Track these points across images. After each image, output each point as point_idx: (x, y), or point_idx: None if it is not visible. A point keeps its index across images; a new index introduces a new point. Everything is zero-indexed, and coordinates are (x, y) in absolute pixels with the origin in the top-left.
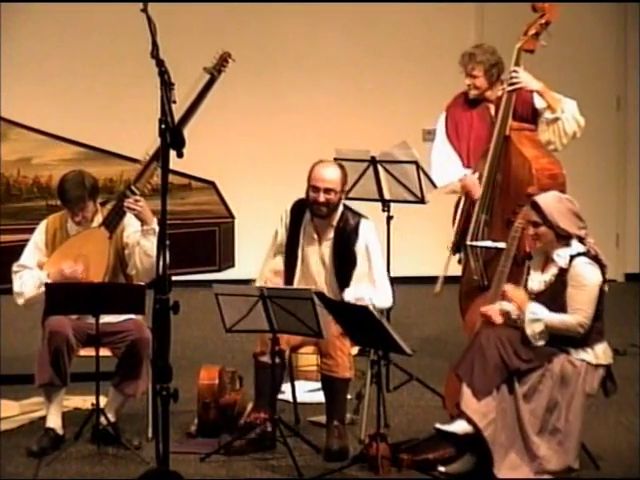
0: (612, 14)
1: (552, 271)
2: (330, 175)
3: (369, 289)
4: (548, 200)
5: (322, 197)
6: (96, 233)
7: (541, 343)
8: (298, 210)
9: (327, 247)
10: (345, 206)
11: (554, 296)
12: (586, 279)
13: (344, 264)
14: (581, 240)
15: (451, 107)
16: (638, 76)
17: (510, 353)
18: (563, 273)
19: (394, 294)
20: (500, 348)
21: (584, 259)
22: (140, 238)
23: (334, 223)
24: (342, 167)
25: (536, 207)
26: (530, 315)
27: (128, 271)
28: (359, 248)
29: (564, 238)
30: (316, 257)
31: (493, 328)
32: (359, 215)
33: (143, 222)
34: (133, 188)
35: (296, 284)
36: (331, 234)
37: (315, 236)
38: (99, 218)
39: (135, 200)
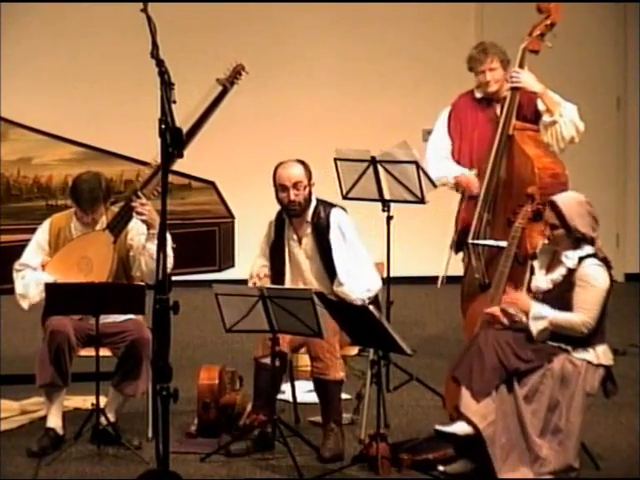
0: (612, 14)
1: (560, 271)
2: (294, 171)
3: (360, 282)
4: (568, 202)
5: (292, 194)
6: (101, 237)
7: (543, 339)
8: (279, 218)
9: (308, 244)
10: (318, 200)
11: (560, 296)
12: (595, 280)
13: (325, 256)
14: (592, 242)
15: (457, 105)
16: (638, 76)
17: (508, 354)
18: (571, 273)
19: (394, 293)
20: (498, 349)
21: (594, 260)
22: (146, 242)
23: (309, 219)
24: (304, 162)
25: (555, 209)
26: (535, 314)
27: (132, 273)
28: (333, 235)
29: (577, 240)
30: (301, 257)
31: (491, 330)
32: (330, 205)
33: (150, 226)
34: (140, 194)
35: (287, 286)
36: (308, 230)
37: (295, 237)
38: (104, 220)
39: (142, 204)
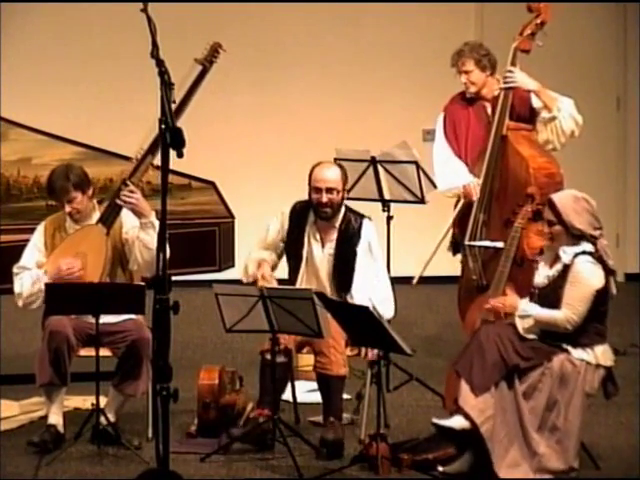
0: (612, 14)
1: (557, 267)
2: (331, 175)
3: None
4: (564, 199)
5: (325, 197)
6: (93, 230)
7: (531, 336)
8: (300, 212)
9: (330, 249)
10: (347, 207)
11: (555, 291)
12: (584, 277)
13: (346, 265)
14: (594, 241)
15: (448, 107)
16: (638, 76)
17: (509, 350)
18: (566, 270)
19: (394, 293)
20: (499, 345)
21: (587, 258)
22: (139, 232)
23: (337, 225)
24: (342, 167)
25: (552, 205)
26: (520, 312)
27: (130, 267)
28: (362, 248)
29: (577, 237)
30: (320, 259)
31: (493, 325)
32: (361, 215)
33: (140, 215)
34: (128, 182)
35: (300, 285)
36: (334, 235)
37: (318, 237)
38: (97, 215)
39: (130, 191)
